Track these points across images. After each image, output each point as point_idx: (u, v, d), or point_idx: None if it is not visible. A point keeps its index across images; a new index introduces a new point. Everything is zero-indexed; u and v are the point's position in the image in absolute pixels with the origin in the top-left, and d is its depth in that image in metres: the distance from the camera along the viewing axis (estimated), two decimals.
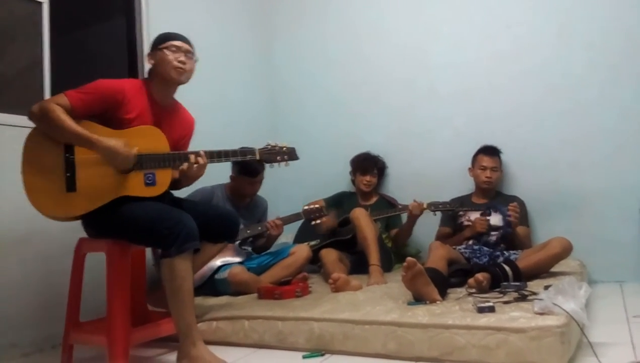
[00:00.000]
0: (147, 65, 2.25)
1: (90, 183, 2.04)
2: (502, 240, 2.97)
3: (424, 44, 3.72)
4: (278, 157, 2.24)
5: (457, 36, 3.63)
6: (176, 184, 2.27)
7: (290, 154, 2.26)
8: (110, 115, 2.09)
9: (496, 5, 3.54)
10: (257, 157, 2.21)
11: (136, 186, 2.07)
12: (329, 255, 3.08)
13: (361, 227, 3.03)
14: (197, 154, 2.14)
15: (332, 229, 3.34)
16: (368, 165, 3.56)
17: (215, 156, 2.17)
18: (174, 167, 2.14)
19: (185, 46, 2.21)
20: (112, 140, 2.02)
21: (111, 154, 2.01)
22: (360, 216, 3.08)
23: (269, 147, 2.24)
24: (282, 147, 2.26)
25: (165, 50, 2.18)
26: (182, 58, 2.19)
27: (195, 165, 2.12)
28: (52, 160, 2.02)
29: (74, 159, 2.03)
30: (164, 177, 2.12)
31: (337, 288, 2.68)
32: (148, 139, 2.10)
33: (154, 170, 2.09)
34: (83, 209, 2.06)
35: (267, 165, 2.26)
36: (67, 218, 2.09)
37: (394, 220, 3.48)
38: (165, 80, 2.20)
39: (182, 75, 2.21)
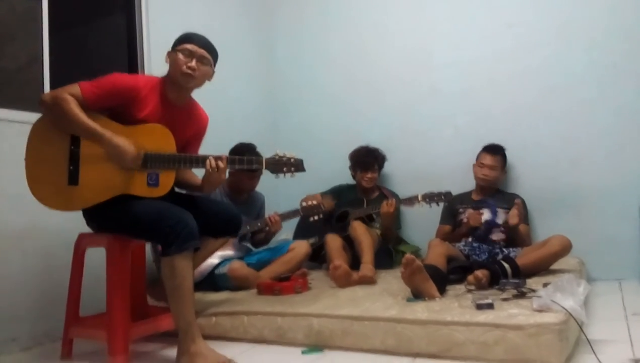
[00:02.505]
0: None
1: (93, 179, 2.03)
2: (488, 232, 2.95)
3: (425, 42, 3.72)
4: (284, 168, 2.17)
5: (458, 35, 3.63)
6: (196, 189, 2.27)
7: (297, 166, 2.18)
8: (121, 110, 2.07)
9: (497, 4, 3.53)
10: (263, 167, 2.15)
11: (138, 185, 2.07)
12: (334, 242, 3.07)
13: (357, 237, 3.03)
14: (218, 158, 2.09)
15: (334, 217, 3.31)
16: (369, 162, 3.53)
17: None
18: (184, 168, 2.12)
19: (200, 51, 2.13)
20: (122, 139, 2.01)
21: (119, 153, 1.99)
22: (358, 228, 3.08)
23: (277, 157, 2.17)
24: (289, 158, 2.17)
25: (179, 53, 2.12)
26: (192, 63, 2.11)
27: (216, 170, 2.08)
28: (56, 151, 2.02)
29: (79, 152, 2.03)
30: (167, 179, 2.11)
31: (335, 278, 2.68)
32: (156, 139, 2.08)
33: (159, 171, 2.08)
34: (82, 204, 2.07)
35: (272, 175, 2.20)
36: (67, 210, 2.10)
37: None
38: (175, 82, 2.16)
39: (190, 81, 2.15)
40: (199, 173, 2.26)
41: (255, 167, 2.18)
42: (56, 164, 2.01)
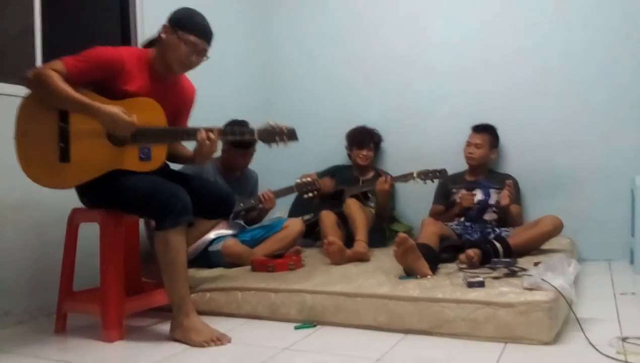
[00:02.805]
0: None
1: (84, 155, 2.02)
2: (481, 213, 2.97)
3: (422, 20, 3.68)
4: (277, 138, 2.16)
5: (456, 14, 3.59)
6: (187, 161, 2.27)
7: (289, 135, 2.17)
8: (107, 84, 2.04)
9: None
10: (256, 137, 2.15)
11: (131, 160, 2.05)
12: (328, 218, 3.07)
13: (351, 214, 3.04)
14: (209, 130, 2.09)
15: (329, 194, 3.34)
16: (364, 139, 3.55)
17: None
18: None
19: (203, 46, 2.11)
20: (112, 106, 1.98)
21: (112, 119, 1.96)
22: (352, 205, 3.08)
23: (269, 127, 2.16)
24: (282, 128, 2.16)
25: (182, 43, 2.07)
26: (194, 58, 2.10)
27: (207, 142, 2.07)
28: (45, 129, 1.99)
29: (69, 129, 2.00)
30: (159, 153, 2.09)
31: (329, 253, 2.70)
32: (145, 112, 2.06)
33: (150, 145, 2.07)
34: (75, 181, 2.05)
35: (265, 145, 2.20)
36: (61, 188, 2.08)
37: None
38: (166, 62, 2.13)
39: (185, 71, 2.16)
40: (189, 145, 2.24)
41: (248, 138, 2.17)
42: (46, 142, 1.99)
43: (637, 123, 3.15)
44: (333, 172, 3.62)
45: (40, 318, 2.41)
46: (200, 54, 2.12)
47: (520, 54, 3.41)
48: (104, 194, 2.06)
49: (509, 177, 3.21)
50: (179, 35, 2.07)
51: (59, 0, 2.82)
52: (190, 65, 2.13)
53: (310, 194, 3.17)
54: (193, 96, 2.34)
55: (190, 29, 2.08)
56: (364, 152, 3.53)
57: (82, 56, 2.01)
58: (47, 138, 1.99)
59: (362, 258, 2.77)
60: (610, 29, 3.20)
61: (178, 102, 2.25)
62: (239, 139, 2.19)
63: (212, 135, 2.09)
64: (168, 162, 2.29)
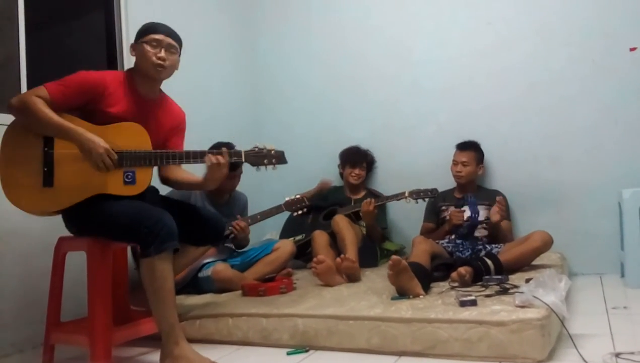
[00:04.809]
0: (131, 57, 2.17)
1: (68, 180, 2.00)
2: (471, 229, 2.98)
3: (407, 39, 3.73)
4: (265, 161, 2.14)
5: (440, 32, 3.64)
6: (196, 187, 2.24)
7: (278, 158, 2.16)
8: (91, 108, 2.04)
9: (478, 2, 3.55)
10: (243, 160, 2.14)
11: (115, 184, 2.03)
12: (321, 238, 3.05)
13: (339, 231, 3.02)
14: (217, 154, 2.06)
15: (323, 195, 3.38)
16: (357, 159, 3.57)
17: (192, 157, 2.11)
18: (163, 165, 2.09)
19: (167, 40, 2.12)
20: (94, 134, 1.97)
21: (90, 147, 1.95)
22: (340, 222, 3.07)
23: (256, 149, 2.15)
24: (270, 150, 2.15)
25: (145, 45, 2.11)
26: (162, 54, 2.10)
27: (218, 166, 2.05)
28: (29, 154, 1.99)
29: (53, 153, 2.00)
30: (144, 176, 2.08)
31: (318, 272, 2.68)
32: (129, 137, 2.05)
33: (135, 169, 2.06)
34: (58, 205, 2.03)
35: (253, 168, 2.18)
36: (44, 214, 2.06)
37: (379, 216, 3.46)
38: (145, 75, 2.14)
39: (161, 72, 2.13)
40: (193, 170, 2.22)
41: (234, 160, 2.14)
42: (30, 167, 1.98)
43: (622, 137, 3.20)
44: (324, 193, 3.61)
45: (27, 351, 2.35)
46: (168, 49, 2.12)
47: (504, 71, 3.46)
48: (89, 220, 2.04)
49: (497, 193, 3.22)
50: (142, 41, 2.11)
51: (44, 27, 2.82)
52: (163, 64, 2.11)
53: (300, 212, 3.15)
54: (183, 119, 2.33)
55: (148, 32, 2.13)
56: (357, 171, 3.54)
57: (65, 81, 2.02)
58: (32, 163, 1.98)
59: (351, 269, 2.74)
60: (593, 46, 3.25)
61: (166, 124, 2.23)
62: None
63: (221, 159, 2.06)
64: (169, 188, 2.28)
